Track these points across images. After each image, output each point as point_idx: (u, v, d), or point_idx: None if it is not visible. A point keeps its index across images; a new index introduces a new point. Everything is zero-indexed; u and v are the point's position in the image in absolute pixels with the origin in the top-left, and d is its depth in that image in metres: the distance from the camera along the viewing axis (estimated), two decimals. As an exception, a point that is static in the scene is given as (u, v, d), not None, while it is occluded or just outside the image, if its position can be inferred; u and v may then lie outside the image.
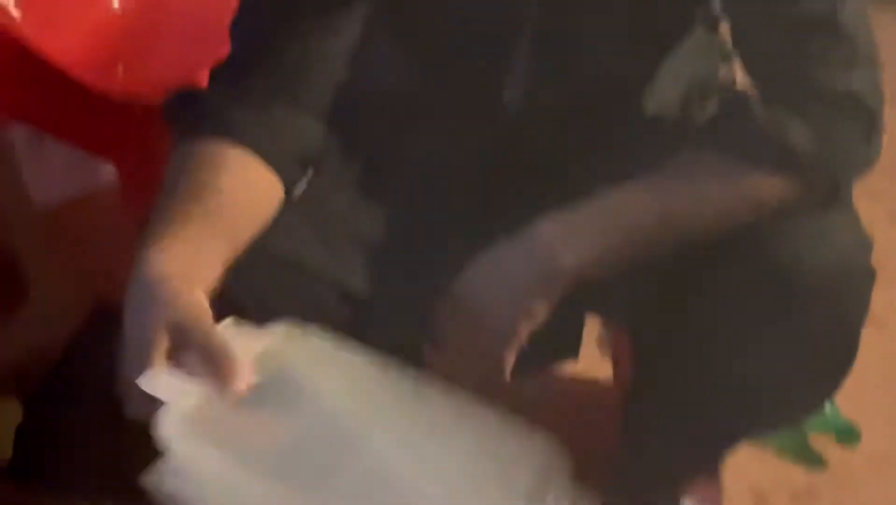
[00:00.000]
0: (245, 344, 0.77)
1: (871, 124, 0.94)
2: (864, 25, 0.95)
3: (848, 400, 1.36)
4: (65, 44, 1.25)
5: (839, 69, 0.92)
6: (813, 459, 1.42)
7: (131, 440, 0.73)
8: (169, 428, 0.71)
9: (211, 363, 0.74)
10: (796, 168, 0.92)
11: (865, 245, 0.97)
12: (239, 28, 0.98)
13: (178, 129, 0.93)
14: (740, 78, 1.04)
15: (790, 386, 1.01)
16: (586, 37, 0.98)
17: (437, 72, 1.02)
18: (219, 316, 0.79)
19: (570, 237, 0.92)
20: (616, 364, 1.42)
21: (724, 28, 1.05)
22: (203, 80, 1.12)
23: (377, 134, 1.03)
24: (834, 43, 0.92)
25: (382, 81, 1.02)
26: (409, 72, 1.03)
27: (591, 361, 1.44)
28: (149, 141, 1.29)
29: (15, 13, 1.22)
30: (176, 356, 0.76)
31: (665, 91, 1.05)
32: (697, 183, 0.94)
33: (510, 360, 0.94)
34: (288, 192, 0.94)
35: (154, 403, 0.73)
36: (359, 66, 0.97)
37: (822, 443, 1.42)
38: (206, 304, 0.79)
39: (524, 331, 0.92)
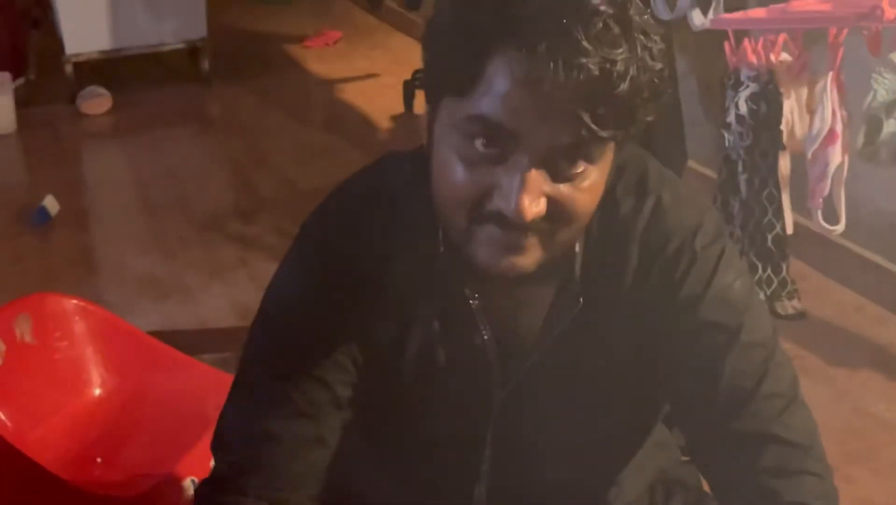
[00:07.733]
0: None
1: None
2: (813, 433, 0.99)
3: None
4: (44, 435, 1.27)
5: (792, 479, 0.96)
6: None
7: None
8: None
9: None
10: None
11: None
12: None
13: None
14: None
15: None
16: (545, 448, 1.03)
17: (411, 484, 1.06)
18: None
19: None
20: None
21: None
22: (181, 470, 1.14)
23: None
24: (785, 453, 0.96)
25: (362, 490, 1.06)
26: (385, 482, 1.07)
27: None
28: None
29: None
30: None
31: (631, 487, 1.08)
32: None
33: None
34: None
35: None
36: (338, 476, 1.01)
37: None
38: None
39: None
